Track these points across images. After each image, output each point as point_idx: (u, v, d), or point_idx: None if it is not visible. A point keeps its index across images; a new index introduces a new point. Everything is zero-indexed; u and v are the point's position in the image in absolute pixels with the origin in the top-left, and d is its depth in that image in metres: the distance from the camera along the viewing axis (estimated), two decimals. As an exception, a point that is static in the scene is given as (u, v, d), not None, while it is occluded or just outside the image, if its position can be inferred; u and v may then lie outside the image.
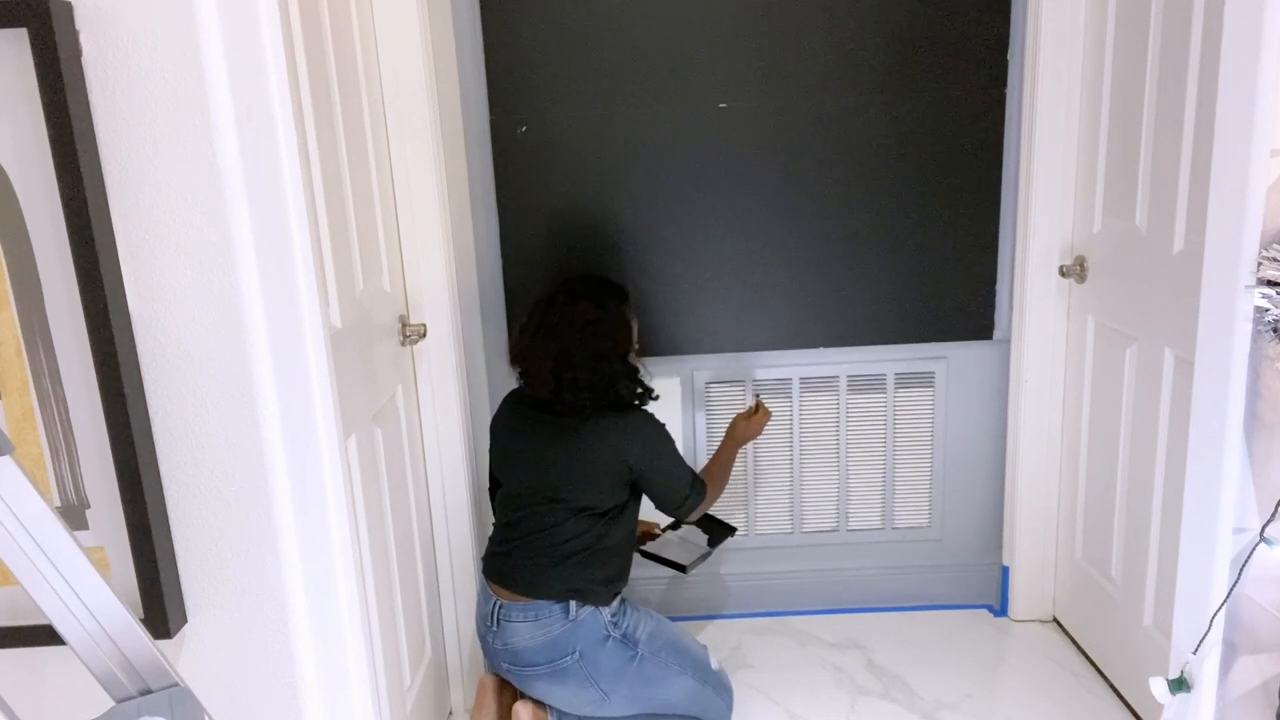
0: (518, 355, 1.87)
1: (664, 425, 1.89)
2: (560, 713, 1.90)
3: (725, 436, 2.10)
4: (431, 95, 1.86)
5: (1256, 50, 1.31)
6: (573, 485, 1.81)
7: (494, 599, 1.83)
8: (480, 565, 1.99)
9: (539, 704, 1.89)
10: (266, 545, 1.23)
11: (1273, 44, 1.29)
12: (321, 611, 1.29)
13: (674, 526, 2.28)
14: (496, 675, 1.93)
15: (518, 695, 1.93)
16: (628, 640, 1.84)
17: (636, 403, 1.87)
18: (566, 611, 1.79)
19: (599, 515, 1.83)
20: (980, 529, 2.49)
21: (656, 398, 1.93)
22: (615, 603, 1.87)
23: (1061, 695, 2.14)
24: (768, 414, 2.12)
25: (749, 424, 2.09)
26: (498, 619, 1.81)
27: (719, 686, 1.99)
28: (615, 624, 1.84)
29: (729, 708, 2.01)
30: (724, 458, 2.08)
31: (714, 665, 2.00)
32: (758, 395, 2.36)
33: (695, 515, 2.00)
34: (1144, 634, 1.97)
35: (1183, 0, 1.71)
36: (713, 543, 2.23)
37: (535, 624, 1.78)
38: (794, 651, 2.35)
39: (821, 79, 2.18)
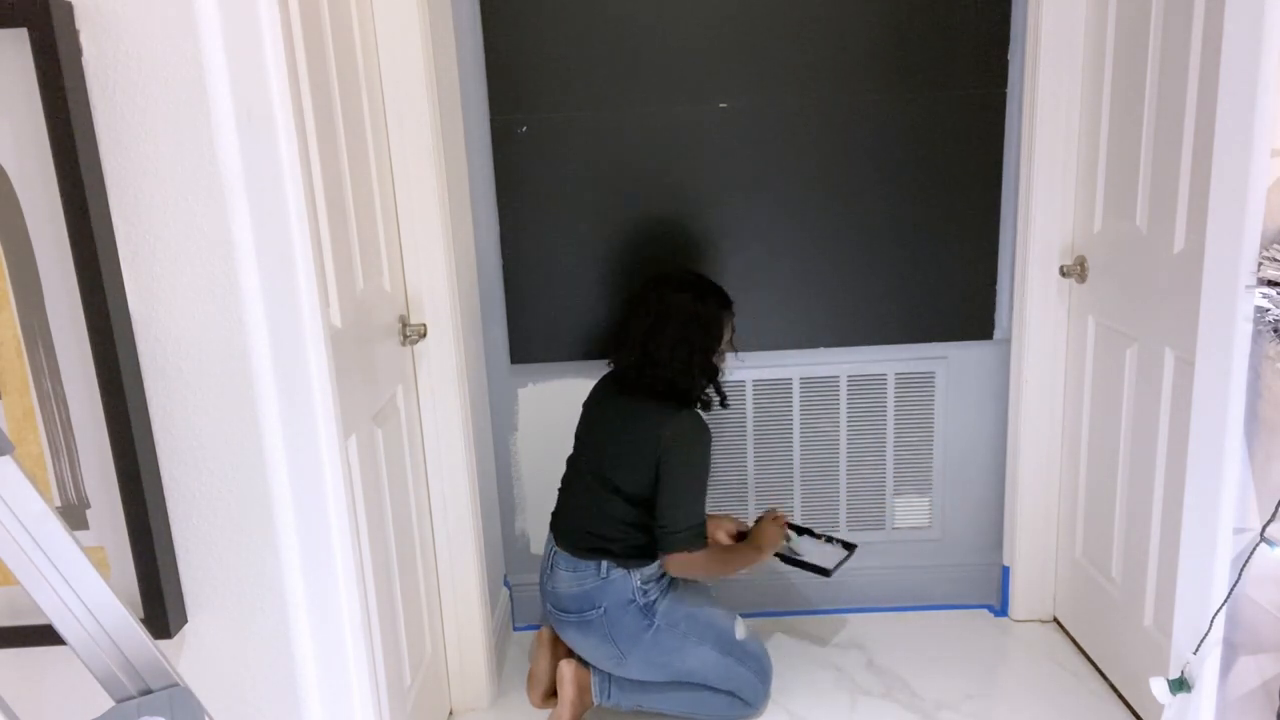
0: (617, 328, 2.01)
1: (709, 441, 1.94)
2: (601, 674, 2.02)
3: (749, 543, 2.12)
4: (431, 95, 1.85)
5: (1256, 50, 1.31)
6: (613, 463, 1.94)
7: (552, 546, 2.04)
8: (485, 562, 2.05)
9: (582, 664, 2.04)
10: (266, 545, 1.23)
11: (1273, 44, 1.29)
12: (321, 611, 1.29)
13: (797, 529, 2.29)
14: (552, 629, 2.13)
15: (566, 652, 2.11)
16: (648, 610, 1.96)
17: (703, 403, 1.99)
18: (599, 569, 1.95)
19: (632, 501, 1.93)
20: (980, 529, 2.49)
21: (727, 406, 2.06)
22: (650, 569, 1.97)
23: (1062, 695, 2.14)
24: (777, 521, 2.15)
25: (767, 532, 2.12)
26: (551, 564, 2.03)
27: (744, 656, 2.03)
28: (644, 591, 1.97)
29: (760, 677, 2.04)
30: (739, 557, 2.08)
31: (739, 635, 2.04)
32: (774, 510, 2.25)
33: (676, 568, 1.94)
34: (1144, 634, 1.97)
35: (1183, 0, 1.71)
36: (849, 546, 2.28)
37: (574, 574, 1.97)
38: (794, 651, 2.35)
39: (821, 79, 2.18)
